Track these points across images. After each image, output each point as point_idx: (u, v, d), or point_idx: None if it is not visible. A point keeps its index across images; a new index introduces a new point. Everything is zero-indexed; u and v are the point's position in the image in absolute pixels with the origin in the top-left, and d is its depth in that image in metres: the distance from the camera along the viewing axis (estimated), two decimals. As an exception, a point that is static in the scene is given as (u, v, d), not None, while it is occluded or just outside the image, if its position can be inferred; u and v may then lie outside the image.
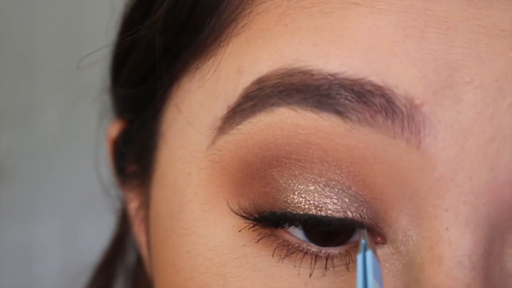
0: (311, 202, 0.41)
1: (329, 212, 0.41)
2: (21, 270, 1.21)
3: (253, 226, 0.42)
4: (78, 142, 0.73)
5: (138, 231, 0.56)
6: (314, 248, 0.41)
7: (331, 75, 0.40)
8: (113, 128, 0.56)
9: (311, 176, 0.41)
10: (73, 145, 0.76)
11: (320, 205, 0.41)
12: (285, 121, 0.41)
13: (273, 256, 0.42)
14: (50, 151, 1.08)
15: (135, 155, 0.53)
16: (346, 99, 0.40)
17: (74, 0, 0.98)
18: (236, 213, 0.42)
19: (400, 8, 0.40)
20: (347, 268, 0.41)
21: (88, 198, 0.71)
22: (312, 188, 0.41)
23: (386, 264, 0.40)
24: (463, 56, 0.39)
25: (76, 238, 1.11)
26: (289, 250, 0.41)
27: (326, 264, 0.41)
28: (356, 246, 0.41)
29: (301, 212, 0.41)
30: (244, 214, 0.42)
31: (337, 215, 0.40)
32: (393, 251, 0.40)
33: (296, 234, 0.42)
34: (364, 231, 0.40)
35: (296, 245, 0.41)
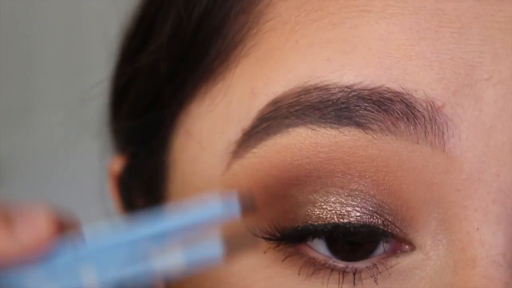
0: (333, 211, 0.40)
1: (352, 219, 0.40)
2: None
3: (277, 246, 0.41)
4: (79, 143, 0.72)
5: None
6: (340, 264, 0.40)
7: (348, 87, 0.39)
8: (115, 164, 0.55)
9: (333, 189, 0.40)
10: (73, 146, 0.76)
11: (342, 214, 0.40)
12: (303, 141, 0.40)
13: (299, 274, 0.41)
14: (51, 152, 1.07)
15: (143, 188, 0.52)
16: (366, 109, 0.39)
17: (75, 0, 0.97)
18: (257, 236, 0.41)
19: (412, 10, 0.40)
20: (375, 281, 0.40)
21: (88, 199, 0.70)
22: (333, 199, 0.40)
23: (417, 271, 0.40)
24: (479, 53, 0.39)
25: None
26: (315, 268, 0.41)
27: (354, 279, 0.40)
28: (383, 258, 0.40)
29: (323, 223, 0.40)
30: (266, 236, 0.41)
31: (361, 222, 0.40)
32: (424, 257, 0.40)
33: (321, 250, 0.41)
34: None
35: (323, 262, 0.41)
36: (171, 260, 0.34)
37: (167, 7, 0.48)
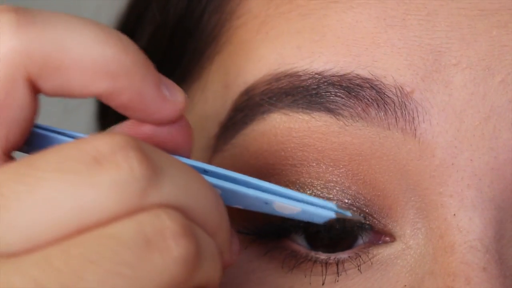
0: None
1: None
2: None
3: (256, 240, 0.41)
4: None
5: None
6: (323, 255, 0.40)
7: (318, 73, 0.40)
8: None
9: (308, 180, 0.40)
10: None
11: None
12: (278, 126, 0.41)
13: (282, 267, 0.41)
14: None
15: None
16: (336, 95, 0.40)
17: (75, 0, 0.98)
18: (236, 231, 0.41)
19: (378, 0, 0.40)
20: (359, 270, 0.40)
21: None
22: (309, 192, 0.40)
23: (398, 261, 0.40)
24: (446, 39, 0.39)
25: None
26: (297, 260, 0.41)
27: (337, 269, 0.40)
28: (365, 247, 0.40)
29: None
30: (244, 231, 0.41)
31: None
32: (404, 246, 0.40)
33: (302, 243, 0.41)
34: None
35: (304, 254, 0.41)
36: (290, 202, 0.36)
37: (144, 14, 0.48)
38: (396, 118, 0.39)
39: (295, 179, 0.41)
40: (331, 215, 0.36)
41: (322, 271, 0.40)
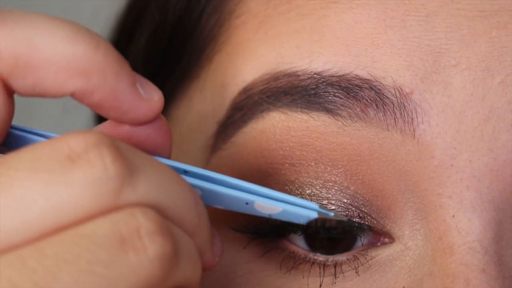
0: None
1: None
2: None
3: (255, 240, 0.41)
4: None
5: None
6: (321, 257, 0.40)
7: (316, 73, 0.40)
8: None
9: (307, 180, 0.40)
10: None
11: None
12: (276, 125, 0.40)
13: (280, 269, 0.41)
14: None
15: None
16: (335, 96, 0.39)
17: (74, 0, 0.98)
18: (236, 230, 0.41)
19: (378, 0, 0.40)
20: (357, 272, 0.40)
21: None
22: (308, 192, 0.40)
23: (397, 262, 0.40)
24: (446, 40, 0.39)
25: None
26: (295, 262, 0.41)
27: (335, 271, 0.40)
28: (363, 250, 0.40)
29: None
30: (243, 230, 0.41)
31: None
32: (402, 247, 0.40)
33: (300, 244, 0.41)
34: None
35: (303, 255, 0.41)
36: (271, 202, 0.36)
37: (143, 15, 0.48)
38: (395, 119, 0.39)
39: (294, 178, 0.41)
40: (313, 215, 0.36)
41: (320, 272, 0.40)
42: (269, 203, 0.36)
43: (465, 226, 0.38)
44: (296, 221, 0.37)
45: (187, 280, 0.31)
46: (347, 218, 0.40)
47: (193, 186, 0.35)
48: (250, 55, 0.42)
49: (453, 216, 0.38)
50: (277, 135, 0.40)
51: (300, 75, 0.40)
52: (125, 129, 0.35)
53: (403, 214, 0.40)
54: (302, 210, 0.36)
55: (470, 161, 0.38)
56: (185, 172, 0.36)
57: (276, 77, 0.41)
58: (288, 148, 0.40)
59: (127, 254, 0.29)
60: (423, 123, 0.39)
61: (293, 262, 0.41)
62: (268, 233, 0.41)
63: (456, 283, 0.37)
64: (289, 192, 0.41)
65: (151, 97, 0.34)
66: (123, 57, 0.33)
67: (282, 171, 0.41)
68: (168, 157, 0.36)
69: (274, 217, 0.37)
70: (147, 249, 0.29)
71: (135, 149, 0.32)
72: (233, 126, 0.42)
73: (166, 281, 0.30)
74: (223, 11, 0.44)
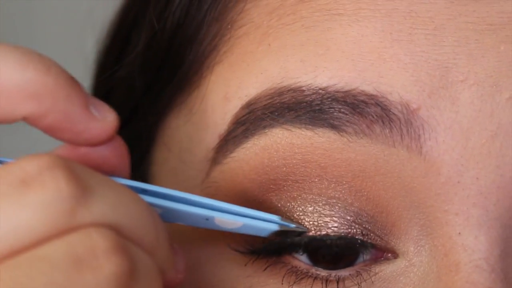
0: (310, 223, 0.40)
1: (329, 231, 0.40)
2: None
3: (256, 259, 0.41)
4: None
5: None
6: (323, 272, 0.40)
7: (322, 89, 0.39)
8: None
9: (310, 196, 0.40)
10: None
11: (320, 225, 0.40)
12: (280, 142, 0.40)
13: (282, 283, 0.40)
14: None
15: None
16: (340, 112, 0.39)
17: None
18: (235, 250, 0.41)
19: (384, 13, 0.39)
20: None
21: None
22: (310, 209, 0.40)
23: (401, 278, 0.39)
24: (454, 54, 0.38)
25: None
26: (297, 276, 0.40)
27: (337, 287, 0.40)
28: (366, 265, 0.40)
29: (300, 237, 0.40)
30: (242, 250, 0.41)
31: (338, 234, 0.39)
32: (407, 264, 0.39)
33: (303, 259, 0.40)
34: None
35: (305, 270, 0.40)
36: (231, 217, 0.38)
37: (141, 19, 0.47)
38: (401, 136, 0.38)
39: (296, 195, 0.40)
40: (274, 227, 0.38)
41: None
42: (228, 218, 0.37)
43: (471, 244, 0.38)
44: (258, 234, 0.38)
45: None
46: (348, 234, 0.40)
47: (152, 205, 0.36)
48: (253, 67, 0.41)
49: (459, 233, 0.38)
50: (280, 152, 0.40)
51: (304, 90, 0.39)
52: (82, 151, 0.35)
53: (408, 230, 0.39)
54: (263, 223, 0.38)
55: (477, 178, 0.38)
56: (144, 191, 0.37)
57: (280, 92, 0.40)
58: (291, 165, 0.40)
59: (84, 274, 0.30)
60: (430, 140, 0.38)
61: (295, 277, 0.40)
62: (268, 252, 0.40)
63: None
64: (291, 209, 0.40)
65: (105, 118, 0.35)
66: (75, 80, 0.34)
67: (285, 187, 0.40)
68: (127, 177, 0.37)
69: (235, 231, 0.38)
70: (103, 267, 0.30)
71: (90, 170, 0.32)
72: (234, 141, 0.41)
73: None
74: (225, 20, 0.43)
